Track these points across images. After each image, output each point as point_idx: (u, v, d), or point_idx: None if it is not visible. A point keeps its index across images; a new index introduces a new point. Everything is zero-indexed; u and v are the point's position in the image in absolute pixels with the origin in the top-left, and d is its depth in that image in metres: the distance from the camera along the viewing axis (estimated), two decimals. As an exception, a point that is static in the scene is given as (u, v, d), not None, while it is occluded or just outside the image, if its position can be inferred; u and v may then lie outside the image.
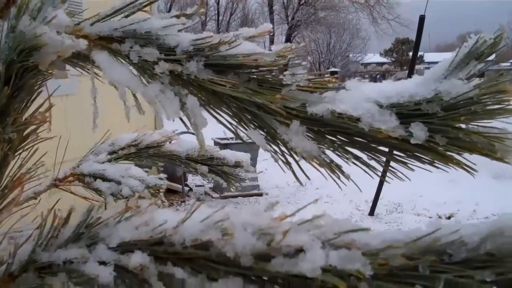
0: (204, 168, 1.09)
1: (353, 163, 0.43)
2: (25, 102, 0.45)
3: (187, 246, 0.37)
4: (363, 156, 0.43)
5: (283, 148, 0.46)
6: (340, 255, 0.31)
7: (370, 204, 5.66)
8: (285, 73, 0.45)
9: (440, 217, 5.63)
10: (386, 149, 0.42)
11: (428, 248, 0.29)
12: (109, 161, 1.09)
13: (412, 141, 0.37)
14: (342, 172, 0.43)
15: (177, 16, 0.50)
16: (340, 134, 0.43)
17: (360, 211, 5.74)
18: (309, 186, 6.77)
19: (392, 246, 0.30)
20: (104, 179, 1.02)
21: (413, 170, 0.42)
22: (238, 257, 0.35)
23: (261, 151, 6.71)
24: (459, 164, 0.39)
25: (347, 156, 0.43)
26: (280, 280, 0.34)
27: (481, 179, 6.43)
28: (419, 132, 0.37)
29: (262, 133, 0.46)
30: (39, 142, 0.47)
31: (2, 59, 0.42)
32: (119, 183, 1.01)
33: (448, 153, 0.38)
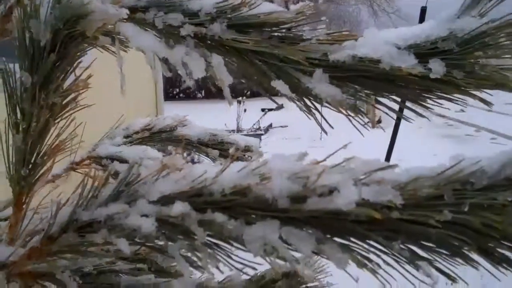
0: (215, 152, 1.12)
1: (374, 106, 0.46)
2: (67, 70, 0.48)
3: (226, 194, 0.40)
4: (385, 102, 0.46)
5: (306, 99, 0.49)
6: (372, 190, 0.34)
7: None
8: (305, 28, 0.48)
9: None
10: (407, 91, 0.45)
11: (452, 179, 0.32)
12: (124, 144, 1.12)
13: (432, 75, 0.41)
14: (365, 114, 0.46)
15: None
16: (361, 79, 0.45)
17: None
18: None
19: (419, 178, 0.33)
20: (121, 160, 1.04)
21: (432, 109, 0.45)
22: (275, 201, 0.38)
23: (262, 143, 6.74)
24: (475, 96, 0.42)
25: (369, 100, 0.46)
26: (315, 220, 0.37)
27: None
28: (437, 67, 0.41)
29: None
30: (78, 110, 0.50)
31: (49, 29, 0.45)
32: (136, 164, 1.03)
33: (465, 85, 0.41)
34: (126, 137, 1.14)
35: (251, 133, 6.46)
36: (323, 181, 0.36)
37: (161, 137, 1.16)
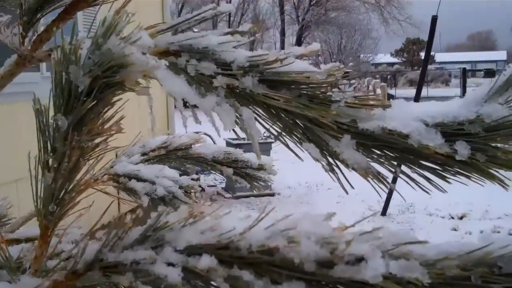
0: (229, 171, 1.14)
1: (399, 176, 0.47)
2: (100, 112, 0.49)
3: (253, 251, 0.41)
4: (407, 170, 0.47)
5: (331, 160, 0.50)
6: (399, 265, 0.35)
7: (382, 204, 5.68)
8: (333, 90, 0.49)
9: (452, 217, 5.67)
10: (429, 164, 0.46)
11: (481, 261, 0.33)
12: (141, 162, 1.14)
13: (457, 157, 0.42)
14: (388, 183, 0.47)
15: (231, 33, 0.55)
16: (387, 149, 0.47)
17: (372, 211, 5.77)
18: (320, 187, 6.81)
19: (447, 257, 0.34)
20: (139, 179, 1.06)
21: (451, 183, 0.46)
22: (302, 263, 0.39)
23: (272, 152, 6.75)
24: (495, 179, 0.43)
25: (394, 170, 0.47)
26: (340, 286, 0.38)
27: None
28: (463, 150, 0.42)
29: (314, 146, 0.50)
30: (108, 151, 0.52)
31: (87, 74, 0.46)
32: (153, 183, 1.05)
33: (487, 169, 0.43)
34: (143, 154, 1.16)
35: (261, 141, 6.47)
36: (351, 250, 0.37)
37: (177, 155, 1.17)
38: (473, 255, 0.33)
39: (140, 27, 0.47)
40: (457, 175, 0.43)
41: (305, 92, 0.47)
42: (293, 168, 7.22)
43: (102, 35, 0.46)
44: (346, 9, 25.50)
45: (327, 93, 0.46)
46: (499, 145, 0.40)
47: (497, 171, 0.41)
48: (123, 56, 0.45)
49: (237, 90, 0.50)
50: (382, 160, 0.45)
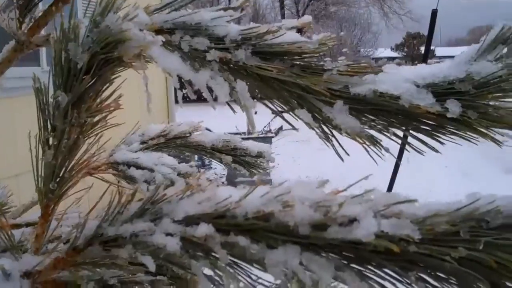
0: (228, 158, 1.14)
1: (391, 139, 0.48)
2: (99, 90, 0.50)
3: (248, 218, 0.42)
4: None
5: (325, 128, 0.51)
6: (390, 223, 0.36)
7: (383, 197, 5.69)
8: (326, 59, 0.50)
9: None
10: (422, 126, 0.47)
11: (468, 216, 0.34)
12: (141, 150, 1.15)
13: (448, 115, 0.43)
14: (382, 146, 0.48)
15: (225, 9, 0.55)
16: (380, 112, 0.48)
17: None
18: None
19: (436, 214, 0.35)
20: (138, 167, 1.07)
21: (444, 144, 0.47)
22: (297, 227, 0.40)
23: (273, 146, 6.77)
24: (487, 136, 0.44)
25: (387, 133, 0.48)
26: (335, 248, 0.39)
27: (493, 174, 6.48)
28: (454, 107, 0.43)
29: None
30: (107, 129, 0.53)
31: (86, 51, 0.47)
32: (152, 170, 1.06)
33: (479, 126, 0.44)
34: (142, 143, 1.17)
35: (262, 135, 6.47)
36: (344, 211, 0.38)
37: (176, 143, 1.18)
38: (461, 211, 0.34)
39: (136, 5, 0.48)
40: (451, 136, 0.44)
41: (298, 62, 0.48)
42: (293, 162, 7.23)
43: (100, 13, 0.47)
44: (346, 3, 25.48)
45: (320, 63, 0.47)
46: (491, 102, 0.41)
47: (490, 130, 0.42)
48: (120, 31, 0.45)
49: (231, 65, 0.51)
50: (375, 124, 0.45)
